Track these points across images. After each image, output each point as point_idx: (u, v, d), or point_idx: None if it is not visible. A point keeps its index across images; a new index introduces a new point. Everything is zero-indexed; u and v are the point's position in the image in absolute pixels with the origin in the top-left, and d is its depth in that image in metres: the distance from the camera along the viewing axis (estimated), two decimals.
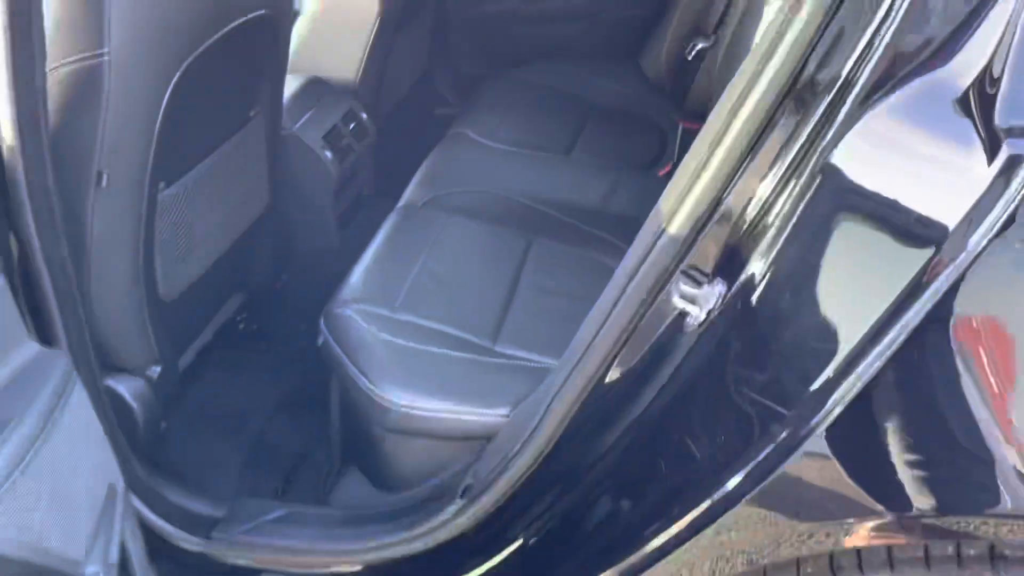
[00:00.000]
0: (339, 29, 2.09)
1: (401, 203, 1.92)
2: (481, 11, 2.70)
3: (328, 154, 1.98)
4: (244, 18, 1.48)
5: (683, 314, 0.99)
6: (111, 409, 1.35)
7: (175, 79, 1.32)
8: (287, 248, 2.04)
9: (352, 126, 2.10)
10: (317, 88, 2.09)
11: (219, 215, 1.66)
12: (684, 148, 2.11)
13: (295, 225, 2.06)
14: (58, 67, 1.16)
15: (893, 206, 0.84)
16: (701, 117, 2.43)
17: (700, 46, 2.36)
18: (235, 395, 2.00)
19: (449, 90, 2.83)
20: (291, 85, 2.05)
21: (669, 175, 2.14)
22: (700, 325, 0.96)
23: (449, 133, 2.23)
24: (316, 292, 2.01)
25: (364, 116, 2.16)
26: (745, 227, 0.97)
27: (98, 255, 1.34)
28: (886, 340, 0.80)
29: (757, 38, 1.49)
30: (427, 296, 1.61)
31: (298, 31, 2.11)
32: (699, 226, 0.98)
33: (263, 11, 1.54)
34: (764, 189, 0.95)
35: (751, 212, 0.96)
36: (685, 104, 2.46)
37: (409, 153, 2.62)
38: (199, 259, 1.63)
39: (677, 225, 0.99)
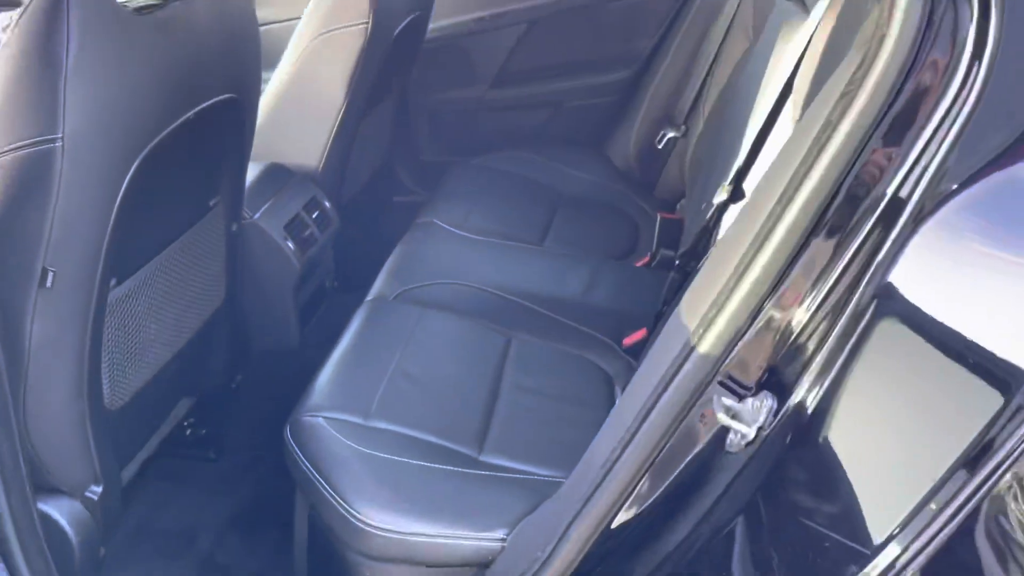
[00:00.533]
0: (303, 115, 1.99)
1: (370, 296, 1.80)
2: (443, 98, 2.65)
3: (290, 244, 1.85)
4: (210, 101, 1.37)
5: (724, 429, 0.89)
6: (44, 538, 1.17)
7: (135, 166, 1.19)
8: (243, 346, 1.88)
9: (315, 215, 1.99)
10: (278, 175, 1.97)
11: (173, 313, 1.51)
12: (664, 240, 2.06)
13: (253, 321, 1.91)
14: (4, 152, 1.02)
15: (961, 340, 0.72)
16: (671, 206, 2.41)
17: (670, 135, 2.33)
18: (181, 511, 1.81)
19: (409, 178, 2.75)
20: (251, 172, 1.93)
21: (647, 267, 2.09)
22: (750, 444, 0.86)
23: (417, 222, 2.13)
24: (274, 394, 1.86)
25: (327, 204, 2.05)
26: (792, 341, 0.87)
27: (37, 364, 1.18)
28: (955, 504, 0.68)
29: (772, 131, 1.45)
30: (403, 401, 1.48)
31: (260, 117, 2.01)
32: (739, 336, 0.88)
33: (230, 95, 1.43)
34: (813, 302, 0.86)
35: (799, 326, 0.87)
36: (655, 193, 2.42)
37: (371, 243, 2.51)
38: (150, 362, 1.47)
39: (715, 335, 0.89)
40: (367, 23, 1.89)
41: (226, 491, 1.89)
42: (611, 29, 2.50)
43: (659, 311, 1.70)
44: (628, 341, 1.72)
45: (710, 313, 0.89)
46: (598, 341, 1.73)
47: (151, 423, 1.63)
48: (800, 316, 0.86)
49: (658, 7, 2.44)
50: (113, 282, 1.29)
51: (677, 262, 1.62)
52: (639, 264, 2.02)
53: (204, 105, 1.35)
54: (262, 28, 2.11)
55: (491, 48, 2.57)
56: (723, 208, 1.54)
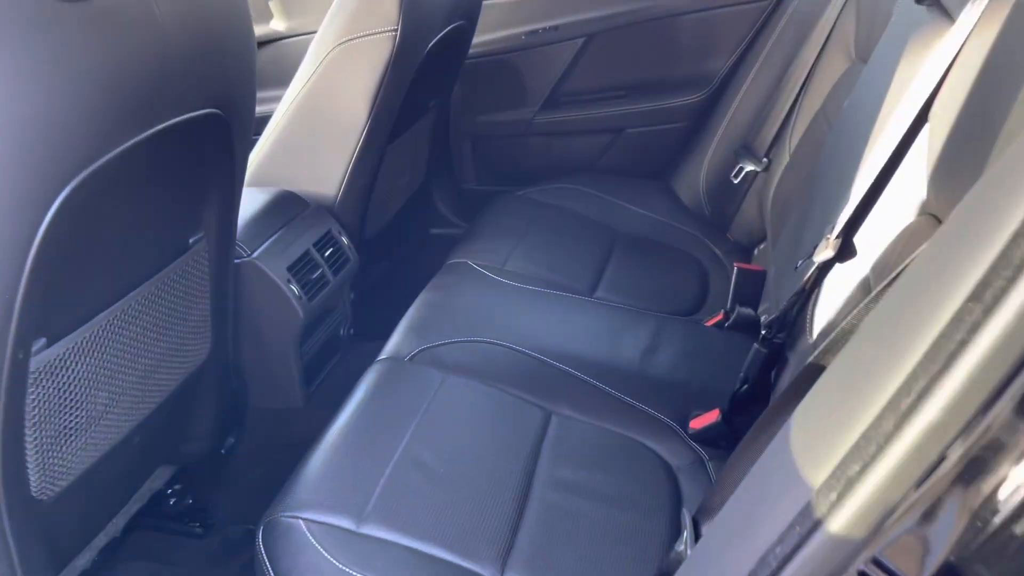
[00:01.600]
0: (319, 135, 1.71)
1: (384, 355, 1.50)
2: (488, 120, 2.36)
3: (294, 288, 1.57)
4: (180, 118, 1.08)
5: None
6: None
7: (60, 199, 0.91)
8: (235, 405, 1.60)
9: (328, 253, 1.70)
10: (287, 205, 1.69)
11: (135, 375, 1.23)
12: (741, 295, 1.73)
13: (249, 376, 1.63)
14: None
15: None
16: (747, 251, 2.06)
17: (748, 169, 1.99)
18: None
19: (448, 208, 2.47)
20: (253, 200, 1.66)
21: (720, 327, 1.75)
22: None
23: (447, 263, 1.83)
24: (273, 460, 1.58)
25: (344, 240, 1.76)
26: (998, 519, 0.54)
27: None
28: None
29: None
30: (409, 499, 1.17)
31: (265, 136, 1.74)
32: (901, 507, 0.55)
33: (210, 110, 1.15)
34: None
35: (1012, 493, 0.53)
36: (728, 235, 2.08)
37: (401, 282, 2.22)
38: (100, 437, 1.19)
39: (862, 502, 0.56)
40: (395, 31, 1.60)
41: (214, 573, 1.60)
42: (682, 46, 2.18)
43: (737, 391, 1.36)
44: (697, 424, 1.39)
45: (851, 467, 0.56)
46: (658, 423, 1.40)
47: (109, 505, 1.35)
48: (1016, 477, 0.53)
49: (737, 22, 2.12)
50: (40, 344, 1.01)
51: (764, 332, 1.29)
52: (710, 323, 1.68)
53: (171, 123, 1.07)
54: (281, 42, 1.82)
55: (543, 66, 2.27)
56: (826, 267, 1.21)
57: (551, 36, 2.23)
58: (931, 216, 1.03)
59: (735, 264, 1.67)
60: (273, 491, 1.22)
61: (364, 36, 1.61)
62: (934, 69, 1.06)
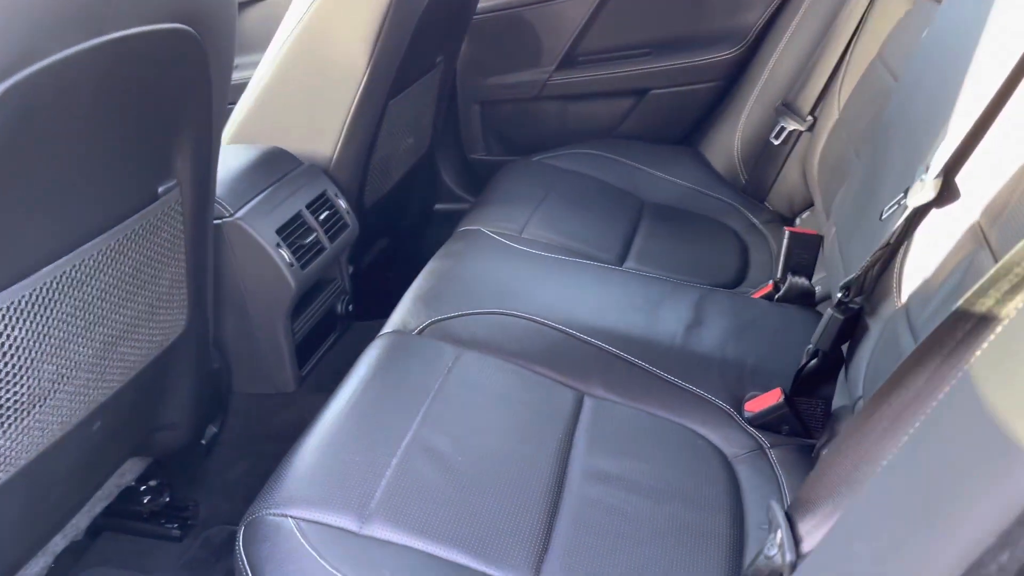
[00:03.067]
0: (312, 88, 1.51)
1: (388, 328, 1.30)
2: (498, 83, 2.16)
3: (284, 254, 1.37)
4: (137, 29, 0.88)
5: None
6: None
7: None
8: (217, 389, 1.40)
9: (323, 216, 1.50)
10: (277, 162, 1.49)
11: (91, 345, 1.02)
12: (794, 263, 1.53)
13: (233, 355, 1.43)
14: None
15: None
16: (787, 220, 1.86)
17: (791, 128, 1.80)
18: None
19: (454, 180, 2.27)
20: (235, 156, 1.46)
21: (769, 298, 1.56)
22: None
23: (457, 231, 1.63)
24: (260, 453, 1.39)
25: (342, 204, 1.56)
26: None
27: None
28: None
29: None
30: (421, 494, 0.97)
31: (250, 90, 1.53)
32: None
33: (177, 24, 0.95)
34: None
35: None
36: (767, 203, 1.89)
37: (402, 259, 2.02)
38: (48, 419, 0.98)
39: None
40: None
41: None
42: None
43: (803, 367, 1.16)
44: (754, 407, 1.19)
45: None
46: (709, 405, 1.20)
47: (65, 503, 1.14)
48: None
49: None
50: None
51: (840, 296, 1.09)
52: (757, 295, 1.49)
53: (127, 33, 0.87)
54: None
55: (559, 21, 2.07)
56: (919, 216, 1.01)
57: None
58: None
59: (786, 228, 1.47)
60: (261, 488, 1.03)
61: None
62: None
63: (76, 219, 0.95)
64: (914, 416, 0.66)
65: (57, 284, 0.93)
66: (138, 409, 1.21)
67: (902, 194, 1.02)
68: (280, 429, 1.49)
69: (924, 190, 0.98)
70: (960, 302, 0.63)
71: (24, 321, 0.89)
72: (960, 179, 0.98)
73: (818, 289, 1.46)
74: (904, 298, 1.02)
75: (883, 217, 1.04)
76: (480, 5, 1.97)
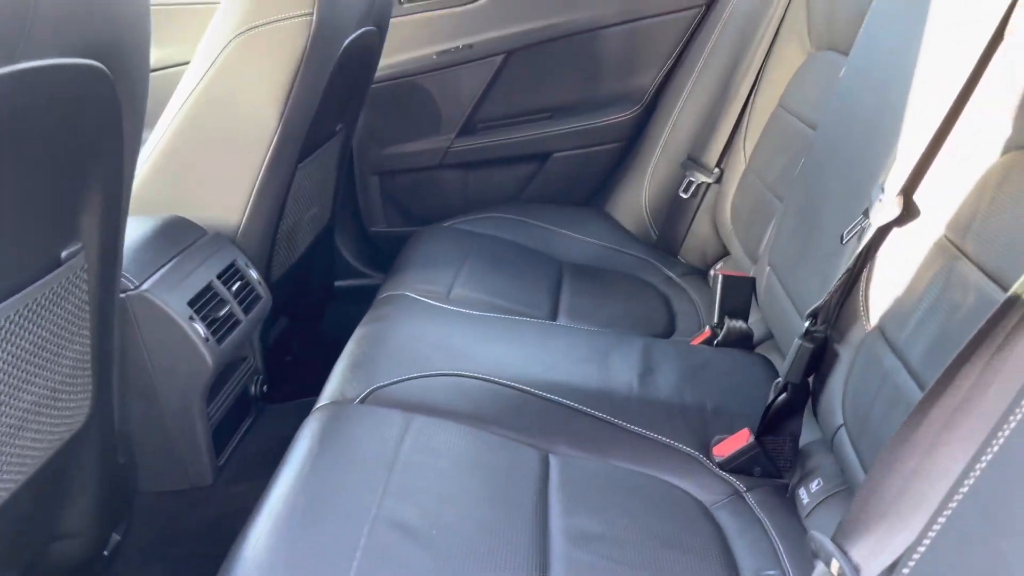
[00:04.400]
0: (218, 147, 1.40)
1: (323, 400, 1.17)
2: (397, 152, 2.11)
3: (199, 328, 1.23)
4: (41, 62, 0.77)
5: None
6: None
7: None
8: (122, 487, 1.21)
9: (235, 287, 1.37)
10: (181, 231, 1.36)
11: None
12: (728, 303, 1.52)
13: (141, 445, 1.26)
14: None
15: None
16: (702, 272, 1.87)
17: (699, 181, 1.83)
18: None
19: (353, 255, 2.17)
20: (135, 227, 1.32)
21: (708, 343, 1.53)
22: None
23: (379, 298, 1.54)
24: (176, 557, 1.22)
25: (254, 274, 1.44)
26: None
27: None
28: None
29: None
30: (399, 573, 0.85)
31: (144, 157, 1.41)
32: None
33: (88, 61, 0.84)
34: None
35: None
36: (680, 255, 1.90)
37: (306, 339, 1.90)
38: None
39: None
40: (311, 15, 1.34)
41: None
42: (609, 60, 2.02)
43: (771, 403, 1.13)
44: (723, 451, 1.14)
45: None
46: (677, 453, 1.15)
47: None
48: None
49: (667, 32, 1.98)
50: None
51: (807, 325, 1.07)
52: (695, 342, 1.46)
53: (28, 66, 0.76)
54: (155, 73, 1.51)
55: (458, 88, 2.05)
56: (883, 233, 1.01)
57: (466, 55, 2.01)
58: None
59: (719, 272, 1.47)
60: None
61: (273, 22, 1.34)
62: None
63: None
64: (967, 417, 0.63)
65: None
66: (35, 516, 1.03)
67: (862, 215, 1.02)
68: (196, 528, 1.31)
69: (886, 208, 0.98)
70: (1007, 295, 0.61)
71: None
72: (918, 197, 0.99)
73: (755, 331, 1.46)
74: (873, 320, 1.02)
75: (844, 241, 1.04)
76: (377, 73, 1.92)
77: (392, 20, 1.90)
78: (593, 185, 2.10)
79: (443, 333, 1.34)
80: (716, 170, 1.81)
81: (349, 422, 1.09)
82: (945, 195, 0.94)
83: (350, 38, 1.54)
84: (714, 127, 1.82)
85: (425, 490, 0.98)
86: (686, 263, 1.88)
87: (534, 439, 1.13)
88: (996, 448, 0.55)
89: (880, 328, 0.99)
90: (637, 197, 1.97)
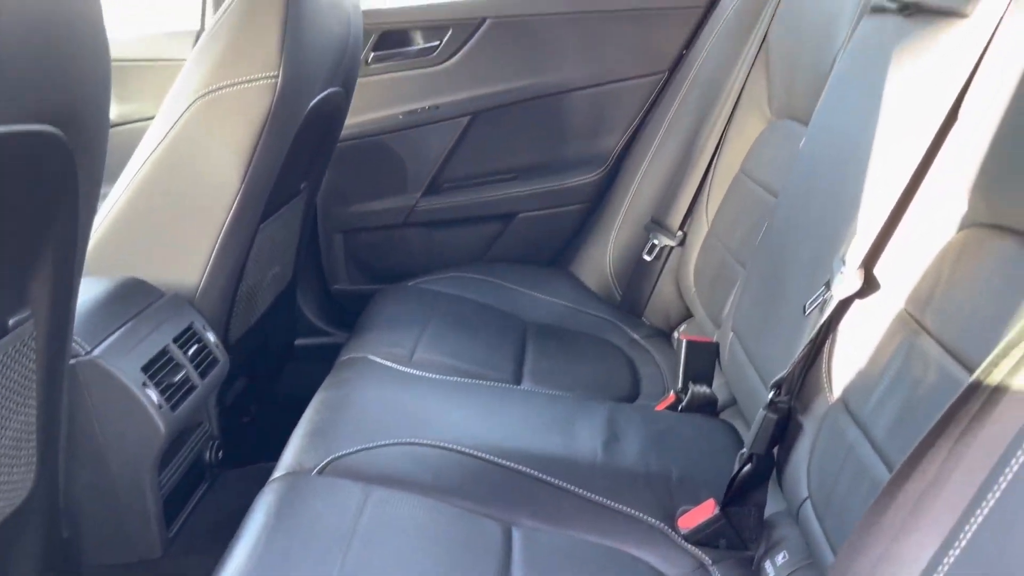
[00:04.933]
0: (177, 208, 1.38)
1: (280, 471, 1.14)
2: (361, 210, 2.10)
3: (151, 394, 1.19)
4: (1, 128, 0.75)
5: None
6: None
7: None
8: (67, 564, 1.16)
9: (191, 351, 1.34)
10: (132, 293, 1.33)
11: None
12: (692, 368, 1.52)
13: (87, 518, 1.21)
14: None
15: None
16: (665, 334, 1.88)
17: (662, 244, 1.84)
18: None
19: (315, 313, 2.14)
20: (88, 289, 1.29)
21: (673, 408, 1.52)
22: None
23: (341, 360, 1.51)
24: None
25: (211, 337, 1.41)
26: None
27: None
28: None
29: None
30: None
31: (102, 216, 1.38)
32: None
33: (43, 126, 0.82)
34: None
35: None
36: (644, 316, 1.90)
37: (265, 400, 1.86)
38: None
39: None
40: (276, 77, 1.33)
41: None
42: (574, 123, 2.04)
43: (736, 474, 1.12)
44: (688, 523, 1.13)
45: None
46: (642, 525, 1.13)
47: None
48: None
49: (630, 96, 2.02)
50: None
51: (771, 396, 1.07)
52: (660, 407, 1.45)
53: None
54: (111, 130, 1.52)
55: (424, 148, 2.05)
56: (844, 305, 1.02)
57: (432, 115, 2.03)
58: (984, 227, 0.87)
59: (682, 337, 1.47)
60: None
61: (237, 84, 1.33)
62: (955, 67, 0.93)
63: None
64: (934, 503, 0.62)
65: None
66: None
67: (824, 287, 1.03)
68: None
69: (847, 281, 0.99)
70: (971, 379, 0.61)
71: None
72: (878, 271, 1.00)
73: (719, 396, 1.45)
74: (837, 392, 1.02)
75: (807, 311, 1.04)
76: (343, 132, 1.92)
77: (359, 80, 1.90)
78: (557, 246, 2.11)
79: (404, 399, 1.32)
80: (679, 233, 1.82)
81: (306, 494, 1.06)
82: (905, 269, 0.95)
83: (316, 99, 1.54)
84: (677, 191, 1.84)
85: (383, 568, 0.95)
86: (650, 324, 1.88)
87: (497, 511, 1.11)
88: (966, 539, 0.54)
89: (843, 400, 0.99)
90: (601, 258, 1.97)
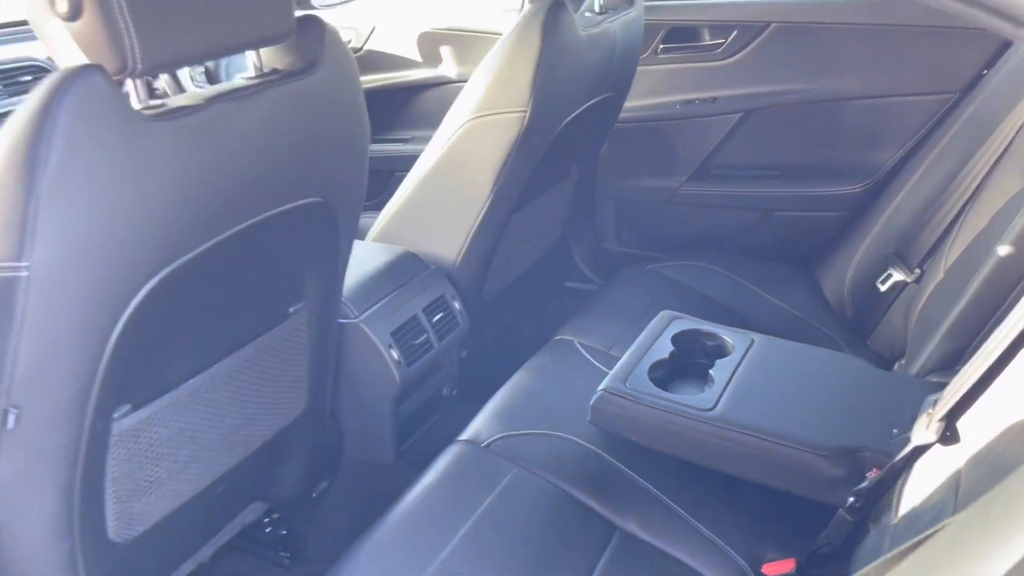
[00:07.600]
0: (445, 202, 1.75)
1: (464, 435, 1.51)
2: (634, 184, 2.32)
3: (394, 354, 1.62)
4: (277, 210, 1.15)
5: None
6: None
7: (145, 290, 0.99)
8: (329, 454, 1.67)
9: (437, 318, 1.74)
10: (406, 267, 1.75)
11: (220, 432, 1.31)
12: None
13: (347, 428, 1.70)
14: None
15: None
16: (887, 363, 1.89)
17: (897, 278, 1.83)
18: None
19: (586, 263, 2.45)
20: (374, 259, 1.73)
21: None
22: None
23: (552, 339, 1.82)
24: (362, 508, 1.64)
25: (457, 305, 1.80)
26: None
27: (3, 501, 1.02)
28: None
29: None
30: None
31: (397, 195, 1.80)
32: None
33: (312, 199, 1.21)
34: None
35: None
36: (869, 342, 1.92)
37: (515, 343, 2.23)
38: (181, 488, 1.28)
39: None
40: (524, 112, 1.61)
41: None
42: (847, 132, 2.03)
43: (816, 548, 1.25)
44: (770, 571, 1.29)
45: None
46: (728, 560, 1.32)
47: (191, 544, 1.45)
48: None
49: (914, 111, 1.94)
50: (125, 409, 1.11)
51: (852, 500, 1.17)
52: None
53: (268, 215, 1.14)
54: (448, 85, 1.85)
55: (696, 136, 2.19)
56: (920, 451, 1.08)
57: (707, 108, 2.15)
58: None
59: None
60: (357, 535, 1.29)
61: (495, 114, 1.63)
62: None
63: (215, 344, 1.23)
64: None
65: (196, 391, 1.22)
66: (257, 473, 1.50)
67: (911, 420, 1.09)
68: (378, 492, 1.73)
69: (927, 429, 1.05)
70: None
71: (168, 421, 1.19)
72: (963, 424, 1.04)
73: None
74: (898, 516, 1.10)
75: (893, 438, 1.12)
76: (623, 114, 2.13)
77: (644, 68, 2.09)
78: (805, 249, 2.15)
79: (579, 394, 1.59)
80: (917, 270, 1.80)
81: (468, 464, 1.42)
82: (977, 429, 1.00)
83: (575, 113, 1.79)
84: (925, 225, 1.80)
85: (495, 541, 1.28)
86: (872, 348, 1.90)
87: (609, 511, 1.36)
88: None
89: (895, 527, 1.08)
90: (842, 273, 2.00)
